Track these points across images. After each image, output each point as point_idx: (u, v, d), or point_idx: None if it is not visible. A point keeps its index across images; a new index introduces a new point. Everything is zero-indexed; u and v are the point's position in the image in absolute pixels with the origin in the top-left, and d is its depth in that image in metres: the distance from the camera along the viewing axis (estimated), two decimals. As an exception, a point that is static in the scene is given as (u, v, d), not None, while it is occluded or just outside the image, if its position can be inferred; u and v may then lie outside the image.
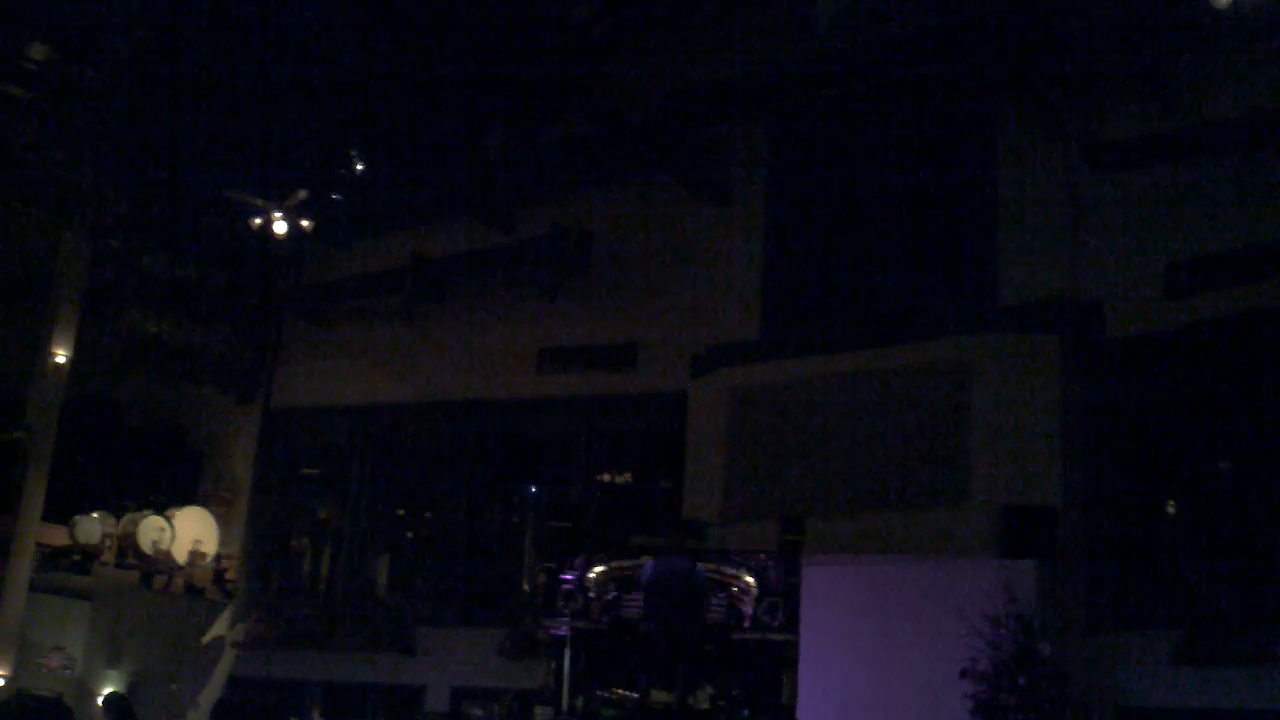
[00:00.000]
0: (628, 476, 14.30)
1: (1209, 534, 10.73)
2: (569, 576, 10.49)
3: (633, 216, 14.38)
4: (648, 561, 10.35)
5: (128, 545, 14.34)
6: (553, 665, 10.33)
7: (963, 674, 10.05)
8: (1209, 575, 10.53)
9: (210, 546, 14.93)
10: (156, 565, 14.44)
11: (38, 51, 13.48)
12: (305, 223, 14.38)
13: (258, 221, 14.34)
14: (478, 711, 12.17)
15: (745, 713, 9.93)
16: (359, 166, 15.11)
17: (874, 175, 13.25)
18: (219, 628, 15.14)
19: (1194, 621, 10.30)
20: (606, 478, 14.30)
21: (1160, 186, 11.60)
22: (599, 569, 10.58)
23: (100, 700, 12.78)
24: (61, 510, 14.09)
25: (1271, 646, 9.77)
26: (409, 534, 15.14)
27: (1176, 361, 11.31)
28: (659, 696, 10.10)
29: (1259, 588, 10.23)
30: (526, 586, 13.56)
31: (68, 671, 13.77)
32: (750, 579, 10.25)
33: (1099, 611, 10.88)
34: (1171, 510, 11.04)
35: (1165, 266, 11.34)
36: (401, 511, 15.28)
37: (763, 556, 10.49)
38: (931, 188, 13.05)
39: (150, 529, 14.42)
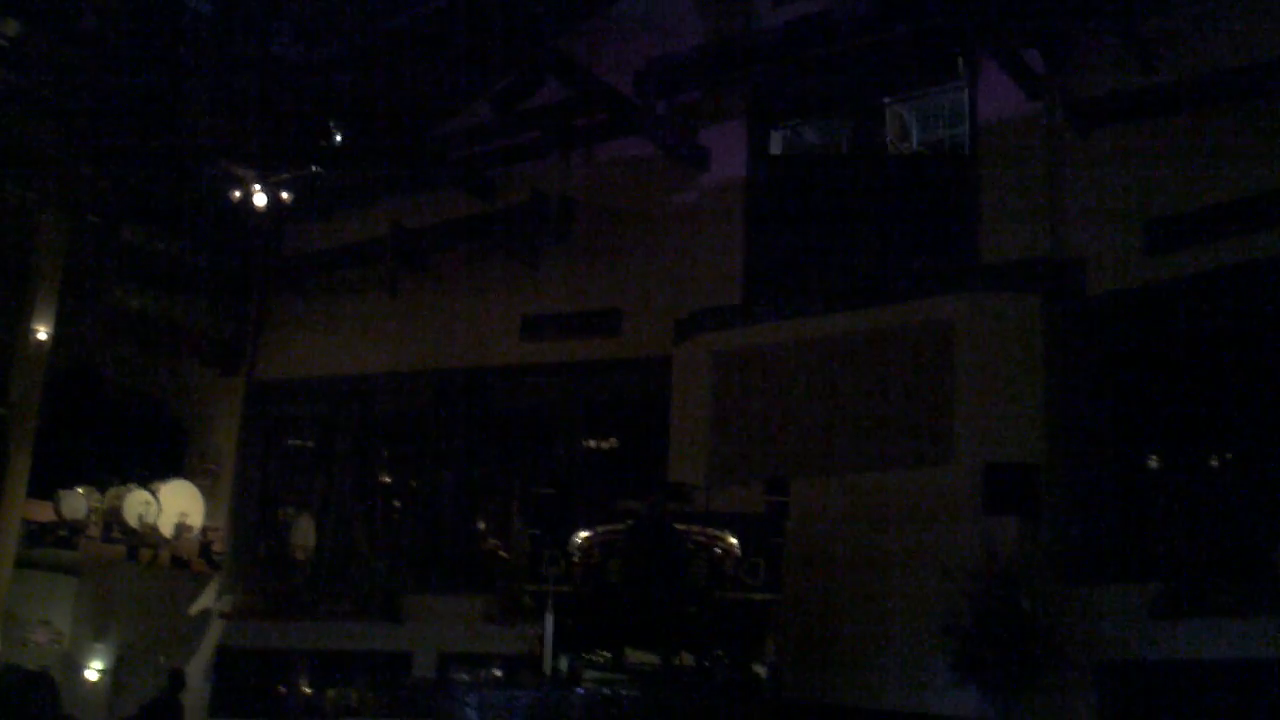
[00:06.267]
0: (613, 442, 14.31)
1: (1186, 489, 10.79)
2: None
3: (614, 182, 14.37)
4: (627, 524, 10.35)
5: (113, 519, 14.35)
6: (538, 629, 10.33)
7: (945, 630, 10.10)
8: (1186, 530, 10.59)
9: (196, 519, 14.94)
10: (142, 539, 14.45)
11: (10, 27, 13.40)
12: (285, 195, 14.32)
13: (237, 195, 14.29)
14: (465, 676, 12.18)
15: (729, 672, 9.94)
16: (338, 138, 15.04)
17: (854, 137, 13.21)
18: (206, 599, 15.16)
19: (1171, 576, 10.35)
20: (592, 443, 14.31)
21: (1140, 143, 11.57)
22: (583, 534, 10.58)
23: None
24: (46, 486, 14.07)
25: (1246, 599, 9.83)
26: (395, 502, 15.15)
27: (1157, 317, 11.31)
28: (643, 658, 10.12)
29: (1234, 542, 10.29)
30: (512, 552, 13.57)
31: (55, 646, 13.78)
32: (734, 540, 10.26)
33: (1079, 566, 10.91)
34: (1151, 465, 11.07)
35: (1146, 223, 11.34)
36: (387, 480, 15.28)
37: (746, 517, 10.52)
38: (912, 148, 13.03)
39: (136, 503, 14.42)
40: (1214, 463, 10.74)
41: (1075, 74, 11.95)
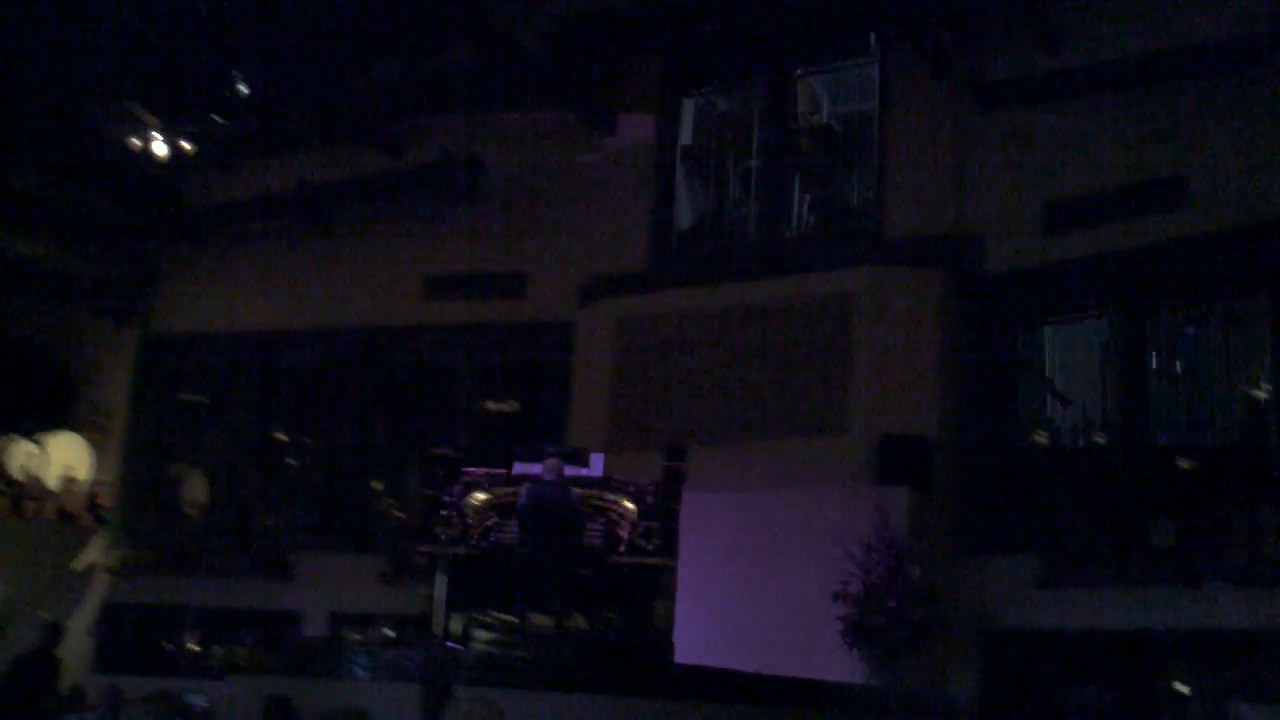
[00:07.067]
0: (514, 404, 14.25)
1: (1070, 464, 11.05)
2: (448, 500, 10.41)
3: (523, 145, 14.25)
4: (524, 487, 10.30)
5: (-4, 470, 13.98)
6: (431, 590, 10.26)
7: (835, 597, 10.23)
8: (1069, 504, 10.85)
9: (84, 472, 14.62)
10: (27, 491, 14.10)
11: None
12: (187, 146, 13.99)
13: (137, 143, 13.92)
14: (356, 635, 12.07)
15: (622, 635, 9.95)
16: (244, 90, 14.70)
17: (764, 106, 13.24)
18: (92, 554, 14.83)
19: (1054, 547, 10.63)
20: (492, 405, 14.23)
21: (1042, 125, 11.81)
22: (480, 495, 10.51)
23: None
24: (-75, 435, 13.67)
25: (1123, 571, 10.15)
26: (289, 460, 14.92)
27: (1051, 297, 11.53)
28: (537, 620, 10.08)
29: (1113, 516, 10.57)
30: (407, 513, 13.46)
31: (-68, 599, 13.41)
32: (630, 505, 10.25)
33: (967, 537, 11.15)
34: (1040, 440, 11.29)
35: (1044, 204, 11.56)
36: (283, 438, 15.04)
37: (643, 483, 10.52)
38: (819, 122, 13.12)
39: (20, 454, 14.08)
40: (1098, 439, 10.97)
41: (983, 55, 12.12)
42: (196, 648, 14.23)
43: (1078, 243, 11.28)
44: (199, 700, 10.74)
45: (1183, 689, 9.88)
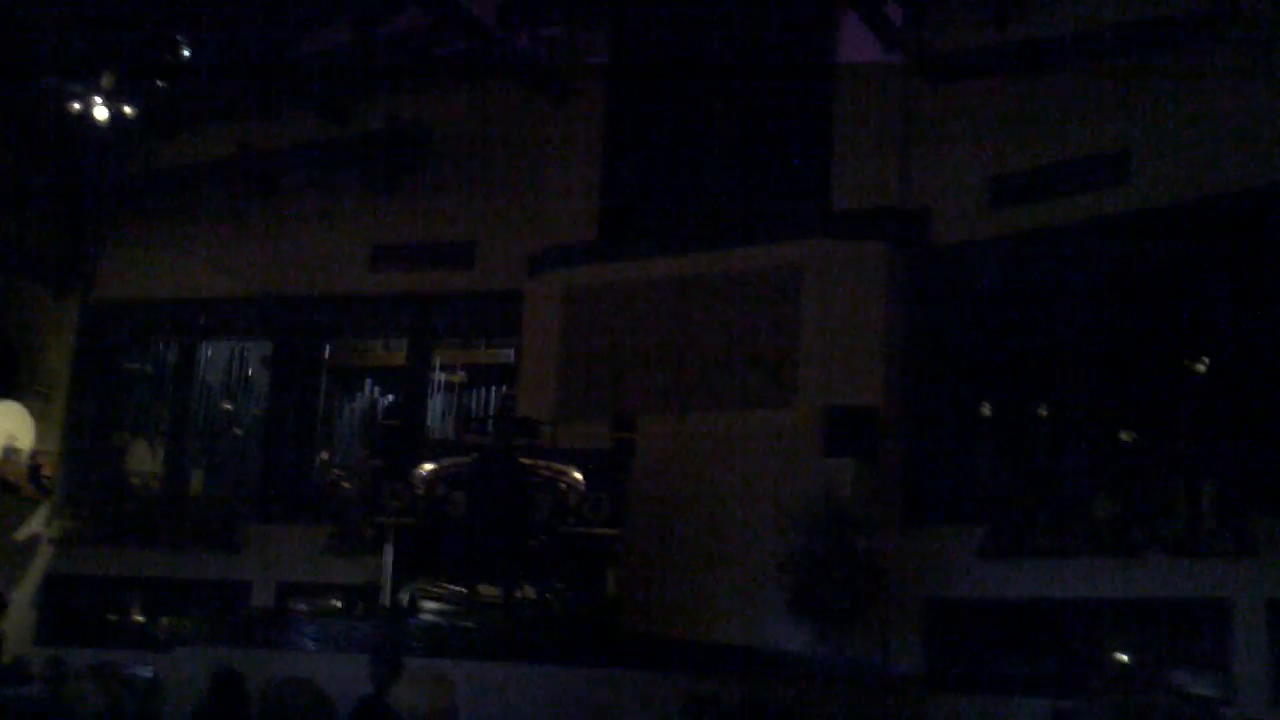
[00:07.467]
0: (462, 375, 14.24)
1: (1014, 436, 11.19)
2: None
3: (472, 113, 14.15)
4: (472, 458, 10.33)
5: (-66, 441, 13.75)
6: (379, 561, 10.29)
7: (782, 567, 10.33)
8: (1013, 475, 10.99)
9: (26, 442, 14.39)
10: (-36, 461, 13.89)
11: None
12: (128, 109, 13.73)
13: (77, 107, 13.64)
14: (303, 606, 12.04)
15: (570, 605, 10.02)
16: (186, 53, 14.45)
17: (712, 81, 13.23)
18: (35, 524, 14.65)
19: (998, 519, 10.76)
20: (442, 376, 14.20)
21: (991, 99, 11.87)
22: (429, 466, 10.52)
23: None
24: None
25: (1065, 542, 10.32)
26: (236, 430, 14.81)
27: (998, 270, 11.63)
28: (486, 590, 10.13)
29: (1056, 488, 10.72)
30: (355, 483, 13.42)
31: None
32: (579, 475, 10.31)
33: (912, 508, 11.27)
34: (986, 412, 11.41)
35: (991, 177, 11.65)
36: (229, 407, 14.91)
37: (592, 453, 10.57)
38: (769, 94, 13.11)
39: (-40, 425, 13.84)
40: (1041, 412, 11.12)
41: (932, 28, 12.16)
42: (142, 619, 14.12)
43: (1025, 216, 11.36)
44: (145, 672, 10.66)
45: (1124, 658, 10.09)
